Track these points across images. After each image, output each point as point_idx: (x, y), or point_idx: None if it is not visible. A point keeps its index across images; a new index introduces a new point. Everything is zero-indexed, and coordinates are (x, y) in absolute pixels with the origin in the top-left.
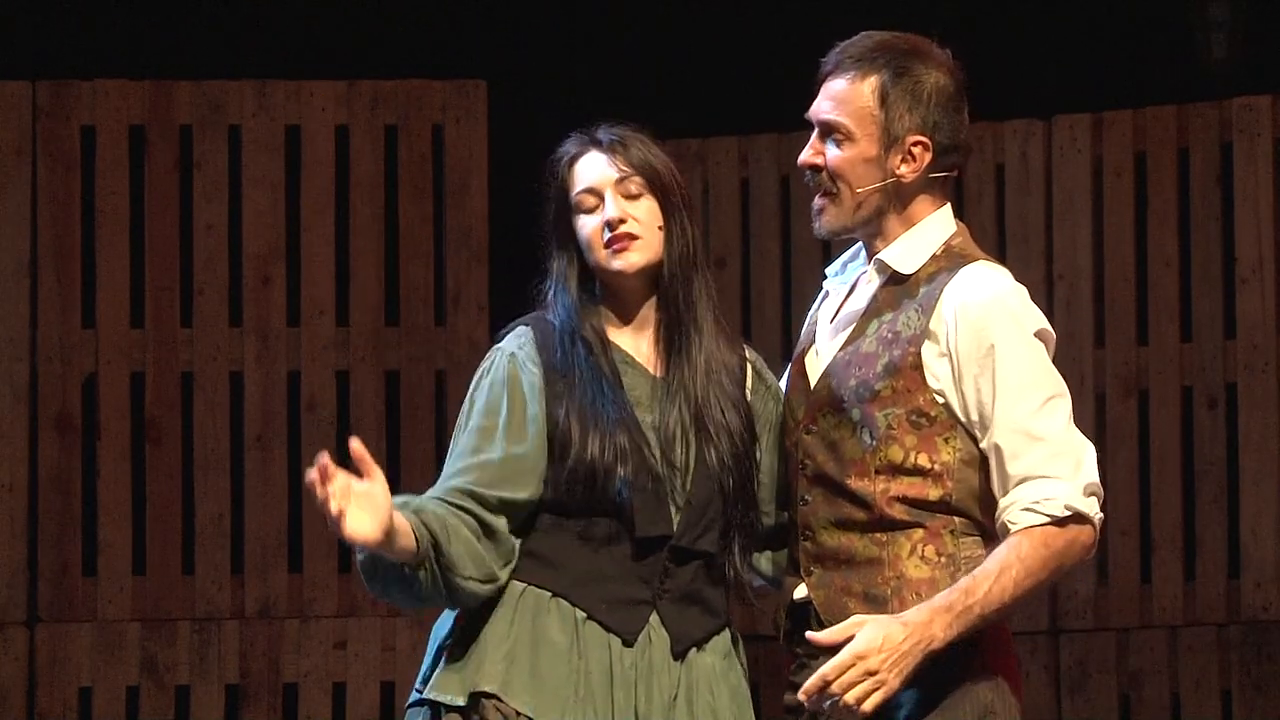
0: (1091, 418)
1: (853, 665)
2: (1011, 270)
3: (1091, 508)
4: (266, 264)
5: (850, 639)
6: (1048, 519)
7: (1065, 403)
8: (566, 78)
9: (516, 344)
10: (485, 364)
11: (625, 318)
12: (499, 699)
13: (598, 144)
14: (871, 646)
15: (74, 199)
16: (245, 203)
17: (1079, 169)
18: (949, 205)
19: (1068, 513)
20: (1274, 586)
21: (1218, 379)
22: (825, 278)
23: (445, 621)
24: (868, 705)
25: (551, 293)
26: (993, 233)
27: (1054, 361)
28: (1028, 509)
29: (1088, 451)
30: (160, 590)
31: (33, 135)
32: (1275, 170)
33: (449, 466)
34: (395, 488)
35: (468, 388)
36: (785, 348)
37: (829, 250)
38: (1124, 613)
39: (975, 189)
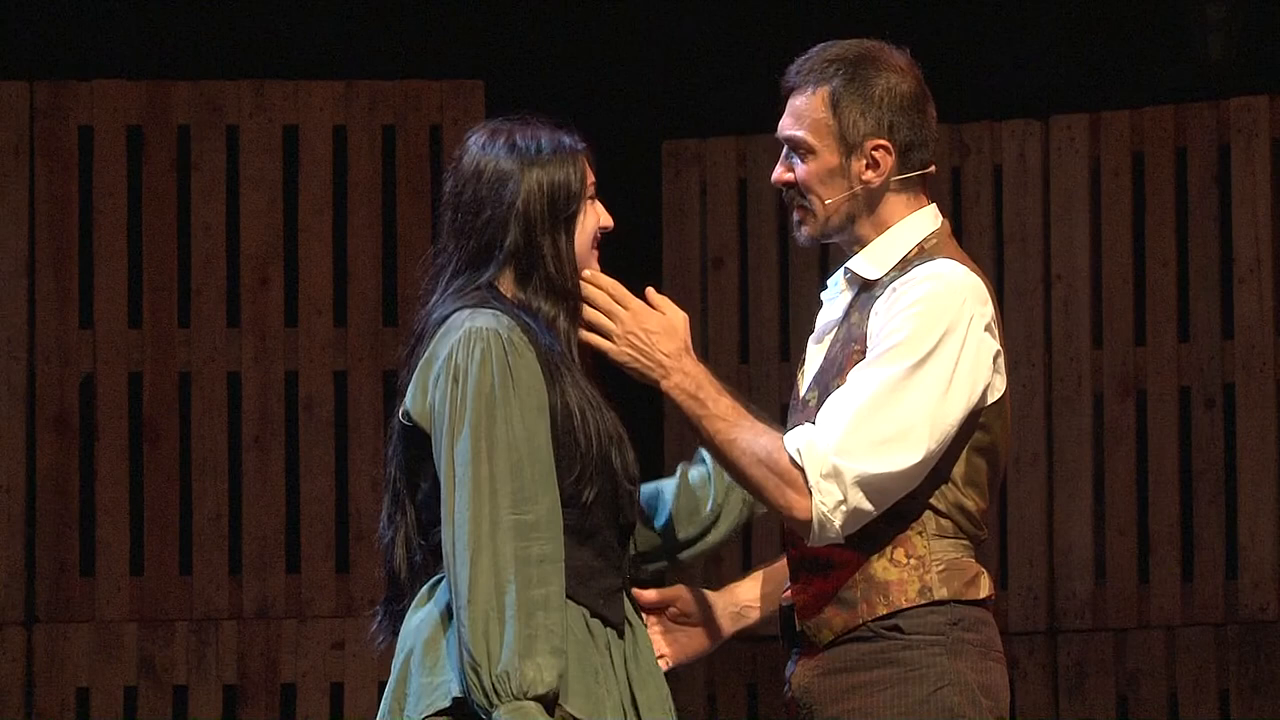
0: (1089, 418)
1: (620, 309)
2: (1009, 270)
3: (821, 491)
4: (264, 264)
5: (656, 313)
6: (789, 453)
7: (904, 409)
8: (565, 78)
9: (503, 325)
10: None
11: None
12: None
13: (585, 152)
14: (643, 323)
15: (71, 199)
16: (243, 203)
17: (1077, 169)
18: (931, 205)
19: (797, 458)
20: (1272, 587)
21: (1215, 379)
22: (825, 288)
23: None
24: (579, 331)
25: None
26: (990, 233)
27: (1052, 361)
28: (796, 435)
29: (877, 461)
30: (158, 590)
31: (30, 135)
32: (1273, 170)
33: (516, 498)
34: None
35: None
36: (783, 348)
37: (827, 251)
38: (1122, 613)
39: (973, 189)
